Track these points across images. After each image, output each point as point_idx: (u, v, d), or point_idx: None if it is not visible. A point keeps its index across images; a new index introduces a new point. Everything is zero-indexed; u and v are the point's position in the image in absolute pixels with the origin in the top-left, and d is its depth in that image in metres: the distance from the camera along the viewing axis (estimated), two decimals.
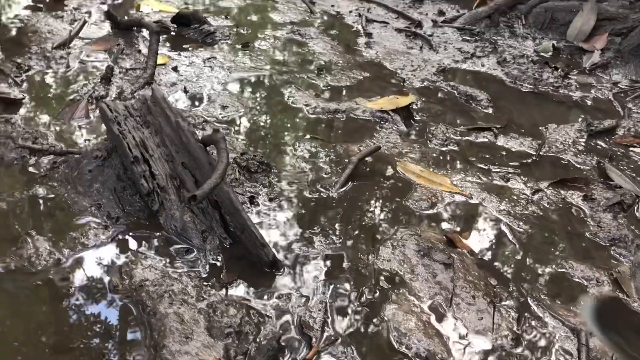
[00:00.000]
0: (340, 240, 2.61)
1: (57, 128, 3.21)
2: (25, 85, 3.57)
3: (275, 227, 2.66)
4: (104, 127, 2.97)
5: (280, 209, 2.76)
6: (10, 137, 2.95)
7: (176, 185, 2.67)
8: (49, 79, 3.73)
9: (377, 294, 2.33)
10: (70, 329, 2.08)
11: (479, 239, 2.71)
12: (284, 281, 2.37)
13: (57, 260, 2.33)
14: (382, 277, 2.42)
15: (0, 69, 3.59)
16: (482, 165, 3.24)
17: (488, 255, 2.62)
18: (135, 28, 4.46)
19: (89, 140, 3.12)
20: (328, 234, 2.63)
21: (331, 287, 2.34)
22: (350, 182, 2.99)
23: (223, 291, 2.28)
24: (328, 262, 2.47)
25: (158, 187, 2.63)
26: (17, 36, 4.16)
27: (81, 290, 2.23)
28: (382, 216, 2.80)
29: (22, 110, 3.31)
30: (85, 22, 4.48)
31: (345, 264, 2.47)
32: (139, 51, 4.16)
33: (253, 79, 4.03)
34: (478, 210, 2.88)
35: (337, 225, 2.69)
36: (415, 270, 2.47)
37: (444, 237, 2.65)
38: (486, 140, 3.50)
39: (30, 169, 2.84)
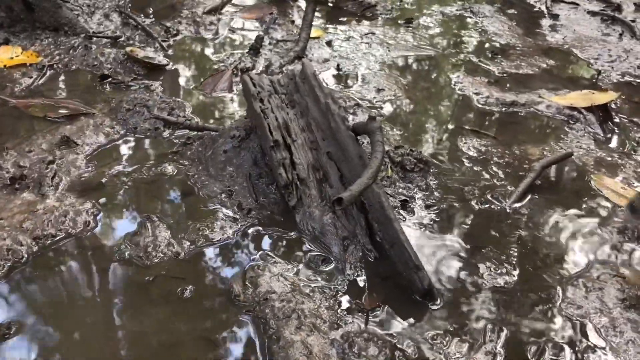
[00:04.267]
0: (515, 270, 2.03)
1: (197, 99, 2.92)
2: (171, 50, 3.34)
3: (430, 243, 2.15)
4: (244, 102, 2.62)
5: (438, 220, 2.24)
6: (146, 106, 2.69)
7: (318, 179, 2.25)
8: (195, 46, 3.47)
9: (565, 350, 1.75)
10: (176, 341, 1.73)
11: None
12: (439, 317, 1.85)
13: (175, 254, 2.00)
14: (568, 328, 1.82)
15: (148, 32, 3.39)
16: None
17: None
18: None
19: (228, 116, 2.80)
20: (499, 261, 2.06)
21: (502, 334, 1.79)
22: (529, 195, 2.39)
23: (362, 319, 1.82)
24: (498, 299, 1.92)
25: (298, 179, 2.22)
26: None
27: (196, 295, 1.87)
28: (570, 244, 2.18)
29: (164, 77, 3.06)
30: None
31: (519, 303, 1.91)
32: (292, 22, 3.80)
33: (415, 60, 3.51)
34: None
35: (511, 250, 2.12)
36: (616, 325, 1.84)
37: None
38: None
39: (163, 142, 2.57)
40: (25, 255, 1.92)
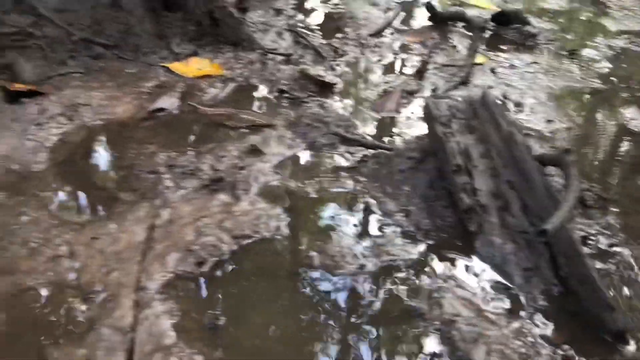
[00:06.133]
0: None
1: (367, 118, 3.02)
2: (339, 69, 3.47)
3: (616, 283, 2.09)
4: (414, 124, 2.69)
5: (622, 262, 2.17)
6: (324, 122, 2.82)
7: (498, 206, 2.25)
8: (361, 66, 3.60)
9: None
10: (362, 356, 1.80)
11: None
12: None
13: (360, 266, 2.08)
14: None
15: (318, 51, 3.55)
16: None
17: None
18: (450, 22, 4.15)
19: (397, 136, 2.87)
20: None
21: None
22: None
23: (550, 353, 1.80)
24: None
25: (478, 205, 2.24)
26: (336, 21, 4.13)
27: (382, 311, 1.93)
28: None
29: (335, 95, 3.20)
30: (399, 11, 4.30)
31: None
32: (454, 47, 3.83)
33: (582, 92, 3.42)
34: None
35: None
36: None
37: None
38: None
39: (338, 158, 2.68)
40: (227, 253, 2.07)
